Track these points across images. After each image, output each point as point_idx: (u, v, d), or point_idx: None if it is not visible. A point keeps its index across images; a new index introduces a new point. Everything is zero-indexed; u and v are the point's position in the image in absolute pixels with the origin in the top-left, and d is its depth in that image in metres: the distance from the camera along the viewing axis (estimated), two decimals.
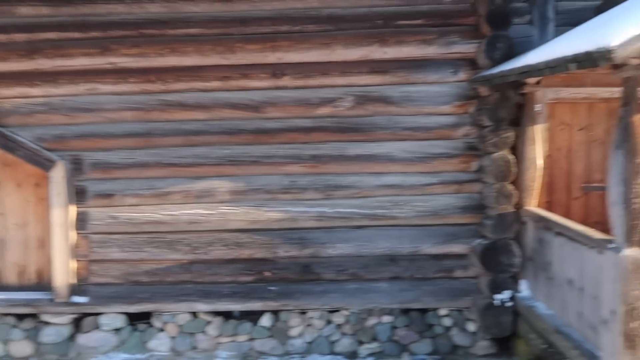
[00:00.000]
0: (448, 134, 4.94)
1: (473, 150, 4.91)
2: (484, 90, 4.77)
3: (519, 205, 4.80)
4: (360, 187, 4.95)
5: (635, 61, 3.11)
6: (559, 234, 4.09)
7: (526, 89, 4.76)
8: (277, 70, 4.92)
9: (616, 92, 4.93)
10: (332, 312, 5.05)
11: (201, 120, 4.96)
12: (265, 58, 4.88)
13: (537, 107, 4.85)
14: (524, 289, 4.76)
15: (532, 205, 4.76)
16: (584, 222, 5.15)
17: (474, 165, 4.92)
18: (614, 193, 3.28)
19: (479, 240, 4.88)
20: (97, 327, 5.03)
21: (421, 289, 4.98)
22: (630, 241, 3.23)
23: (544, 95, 4.95)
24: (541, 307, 4.41)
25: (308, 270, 4.99)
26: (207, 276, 4.99)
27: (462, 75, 4.88)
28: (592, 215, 5.16)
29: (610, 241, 3.37)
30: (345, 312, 5.04)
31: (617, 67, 3.17)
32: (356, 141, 4.94)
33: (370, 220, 4.95)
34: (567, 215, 5.15)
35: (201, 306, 5.00)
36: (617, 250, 3.26)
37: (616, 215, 3.28)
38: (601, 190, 5.14)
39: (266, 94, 4.92)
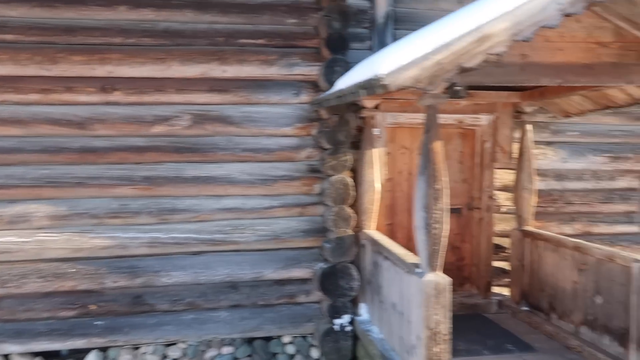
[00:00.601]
0: (290, 156, 4.85)
1: (315, 172, 4.86)
2: (324, 113, 4.75)
3: (358, 228, 4.81)
4: (198, 211, 4.68)
5: (434, 90, 3.20)
6: (386, 257, 4.11)
7: (365, 113, 4.82)
8: (106, 84, 4.54)
9: (449, 118, 5.21)
10: (168, 345, 4.69)
11: (17, 137, 4.43)
12: (92, 71, 4.48)
13: (376, 130, 4.93)
14: (364, 312, 4.75)
15: (371, 228, 4.79)
16: None
17: (317, 187, 4.86)
18: (417, 218, 3.33)
19: (320, 264, 4.81)
20: None
21: (264, 317, 4.79)
22: (432, 266, 3.27)
23: (383, 120, 5.06)
24: (375, 331, 4.41)
25: (140, 301, 4.59)
26: (19, 313, 4.41)
27: (304, 97, 4.84)
28: None
29: (417, 265, 3.41)
30: (182, 345, 4.70)
31: (420, 95, 3.25)
32: (194, 162, 4.68)
33: (209, 246, 4.69)
34: (408, 237, 5.26)
35: (12, 347, 4.40)
36: (421, 275, 3.30)
37: (420, 240, 3.32)
38: None
39: (94, 110, 4.52)
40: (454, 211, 5.34)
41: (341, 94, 3.55)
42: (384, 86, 2.50)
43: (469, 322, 4.81)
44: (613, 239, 5.45)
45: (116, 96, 4.56)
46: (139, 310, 4.59)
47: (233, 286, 4.75)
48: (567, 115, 5.08)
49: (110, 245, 4.53)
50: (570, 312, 4.35)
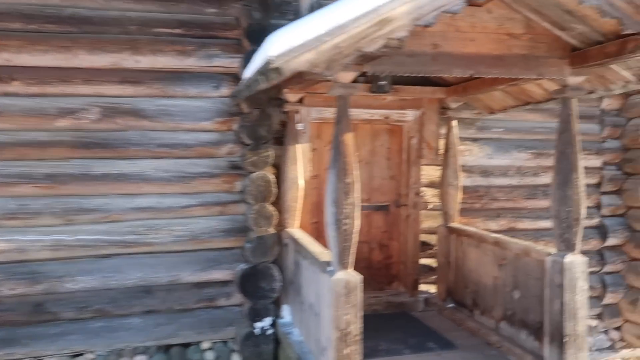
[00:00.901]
0: (210, 152, 4.61)
1: (237, 169, 4.64)
2: (245, 107, 4.55)
3: (281, 227, 4.63)
4: (108, 211, 4.36)
5: (344, 79, 3.06)
6: (305, 256, 3.94)
7: (288, 107, 4.65)
8: (3, 73, 4.16)
9: (375, 113, 5.12)
10: (74, 356, 4.34)
11: None
12: None
13: (300, 125, 4.78)
14: (287, 314, 4.57)
15: (295, 226, 4.62)
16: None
17: (238, 185, 4.65)
18: (327, 214, 3.18)
19: (242, 265, 4.59)
20: None
21: (181, 322, 4.52)
22: (342, 263, 3.14)
23: (308, 114, 4.91)
24: (296, 333, 4.24)
25: (41, 309, 4.22)
26: None
27: (225, 90, 4.61)
28: (359, 235, 5.19)
29: (329, 264, 3.26)
30: (90, 356, 4.36)
31: (331, 85, 3.11)
32: (104, 158, 4.36)
33: (120, 248, 4.38)
34: None
35: None
36: (332, 273, 3.15)
37: (330, 237, 3.18)
38: (366, 210, 5.24)
39: None
40: (382, 208, 5.27)
41: (248, 83, 3.36)
42: (277, 70, 2.33)
43: (395, 321, 4.73)
44: (537, 234, 5.52)
45: (15, 87, 4.19)
46: (39, 319, 4.22)
47: (147, 291, 4.46)
48: (492, 111, 5.10)
49: (7, 249, 4.14)
50: (492, 307, 4.33)
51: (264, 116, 4.56)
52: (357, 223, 3.13)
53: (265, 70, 2.42)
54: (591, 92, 3.90)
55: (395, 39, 2.48)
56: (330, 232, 3.15)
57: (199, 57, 4.55)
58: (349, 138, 3.12)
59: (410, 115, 5.15)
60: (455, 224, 4.95)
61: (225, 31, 4.63)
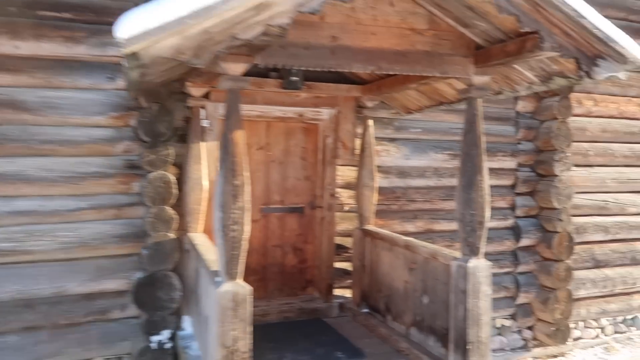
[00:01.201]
0: (104, 150, 4.19)
1: (134, 169, 4.24)
2: (143, 101, 4.16)
3: (183, 232, 4.28)
4: None
5: (233, 71, 2.79)
6: (202, 264, 3.62)
7: (192, 102, 4.31)
8: None
9: (289, 111, 4.88)
10: None
11: None
12: None
13: (205, 122, 4.44)
14: (188, 326, 4.23)
15: (198, 230, 4.29)
16: (264, 246, 4.96)
17: (136, 186, 4.25)
18: (215, 219, 2.89)
19: (139, 274, 4.20)
20: None
21: (66, 338, 4.07)
22: (230, 274, 2.86)
23: (215, 110, 4.56)
24: (195, 347, 3.91)
25: None
26: None
27: (121, 82, 4.18)
28: (272, 238, 4.96)
29: (217, 273, 2.97)
30: None
31: (221, 78, 2.82)
32: None
33: None
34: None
35: None
36: (219, 284, 2.86)
37: (218, 245, 2.89)
38: (279, 212, 5.00)
39: None
40: (296, 210, 5.04)
41: (125, 70, 3.01)
42: (135, 56, 2.02)
43: (306, 329, 4.51)
44: (453, 235, 5.48)
45: None
46: None
47: (27, 305, 3.97)
48: (408, 111, 4.99)
49: None
50: (403, 313, 4.20)
51: (163, 111, 4.20)
52: (247, 229, 2.86)
53: (125, 57, 2.10)
54: (499, 93, 3.84)
55: (276, 26, 2.24)
56: (217, 240, 2.86)
57: (91, 45, 4.12)
58: (239, 136, 2.84)
59: (325, 113, 4.95)
60: (370, 227, 4.80)
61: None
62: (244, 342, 2.82)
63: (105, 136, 4.20)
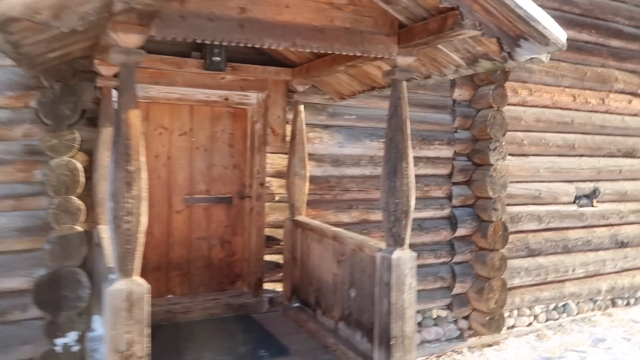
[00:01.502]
0: (0, 134, 3.76)
1: (36, 155, 3.84)
2: (43, 79, 3.76)
3: (94, 224, 3.92)
4: None
5: (126, 42, 2.47)
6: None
7: (101, 82, 3.93)
8: None
9: (213, 94, 4.57)
10: None
11: None
12: None
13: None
14: (99, 326, 3.88)
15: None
16: (188, 239, 4.65)
17: (38, 174, 3.85)
18: (107, 210, 2.58)
19: (41, 271, 3.81)
20: None
21: None
22: (124, 270, 2.56)
23: None
24: (103, 349, 3.57)
25: None
26: None
27: None
28: (197, 231, 4.66)
29: (111, 270, 2.67)
30: None
31: (111, 50, 2.50)
32: None
33: None
34: (168, 233, 4.53)
35: None
36: (112, 282, 2.56)
37: (110, 238, 2.59)
38: (205, 203, 4.70)
39: None
40: (224, 201, 4.75)
41: None
42: None
43: (231, 326, 4.25)
44: None
45: None
46: None
47: None
48: (342, 97, 4.79)
49: None
50: (332, 307, 4.02)
51: (67, 91, 3.81)
52: (144, 220, 2.57)
53: None
54: (427, 76, 3.68)
55: None
56: (109, 233, 2.55)
57: None
58: (134, 116, 2.54)
59: (253, 97, 4.67)
60: (301, 217, 4.58)
61: None
62: (141, 346, 2.54)
63: (1, 118, 3.77)
